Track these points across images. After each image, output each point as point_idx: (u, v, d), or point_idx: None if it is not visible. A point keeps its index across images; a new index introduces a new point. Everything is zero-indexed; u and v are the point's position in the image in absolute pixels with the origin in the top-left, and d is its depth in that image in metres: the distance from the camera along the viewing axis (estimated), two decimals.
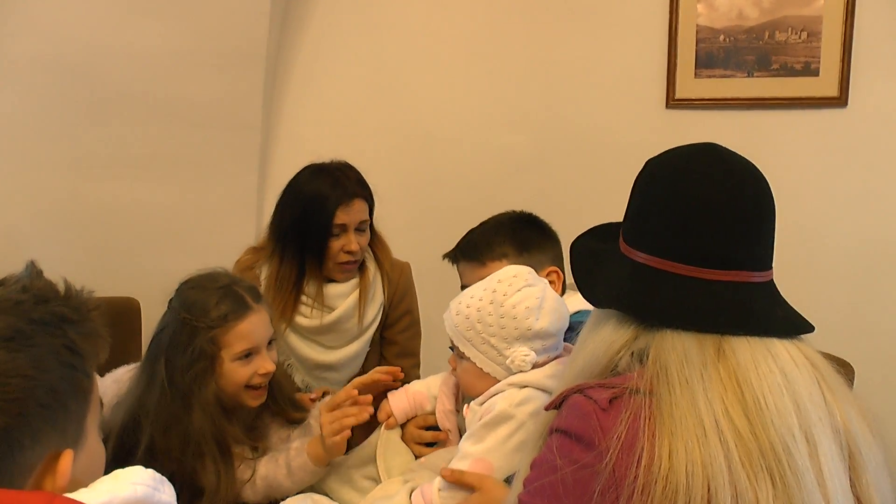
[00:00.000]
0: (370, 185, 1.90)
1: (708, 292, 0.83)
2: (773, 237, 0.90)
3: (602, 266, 0.93)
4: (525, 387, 1.18)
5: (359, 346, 1.88)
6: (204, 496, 1.32)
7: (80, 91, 2.30)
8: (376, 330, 1.91)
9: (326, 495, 1.38)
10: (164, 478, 0.76)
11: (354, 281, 1.85)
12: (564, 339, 1.28)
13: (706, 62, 2.48)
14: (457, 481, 1.15)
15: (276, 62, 2.56)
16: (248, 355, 1.39)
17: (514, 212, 1.59)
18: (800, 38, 2.41)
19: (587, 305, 1.41)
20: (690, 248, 0.85)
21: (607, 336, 0.87)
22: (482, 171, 2.67)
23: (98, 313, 0.80)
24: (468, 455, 1.17)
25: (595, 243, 1.00)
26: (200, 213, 2.54)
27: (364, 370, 1.92)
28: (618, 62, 2.55)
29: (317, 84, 2.66)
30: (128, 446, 1.34)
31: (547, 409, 0.88)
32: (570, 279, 1.57)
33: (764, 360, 0.80)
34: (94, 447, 0.79)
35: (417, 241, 2.49)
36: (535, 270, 1.32)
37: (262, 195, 2.63)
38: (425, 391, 1.42)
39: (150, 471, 0.74)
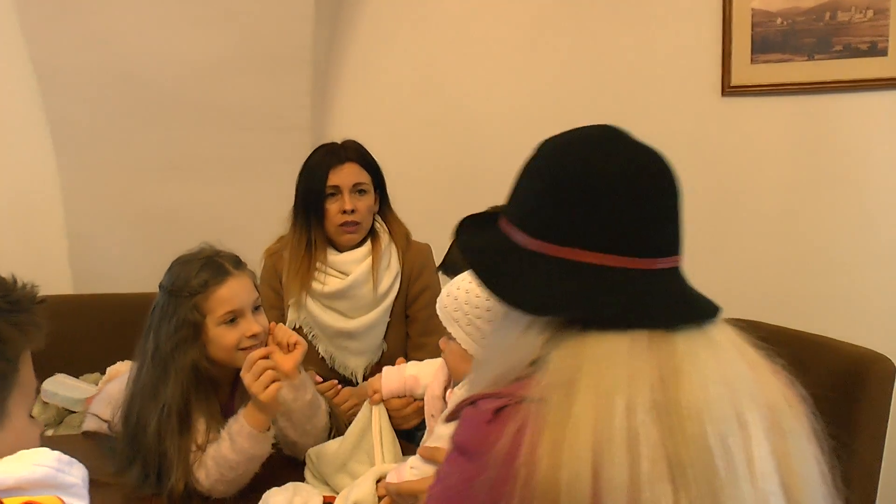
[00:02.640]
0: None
1: (645, 283, 0.76)
2: None
3: (512, 264, 0.82)
4: None
5: (377, 315, 1.91)
6: (165, 475, 1.37)
7: (137, 98, 2.41)
8: (396, 300, 1.95)
9: (325, 484, 1.40)
10: (72, 460, 0.78)
11: (367, 248, 1.92)
12: None
13: (763, 47, 2.36)
14: (430, 457, 1.17)
15: (326, 63, 2.61)
16: (232, 319, 1.45)
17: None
18: (864, 16, 2.26)
19: None
20: (621, 237, 0.77)
21: (527, 343, 0.77)
22: None
23: (41, 307, 0.87)
24: (442, 436, 1.19)
25: (487, 237, 0.88)
26: (253, 212, 2.61)
27: (389, 344, 1.97)
28: (669, 50, 2.47)
29: (367, 83, 2.70)
30: (127, 424, 1.43)
31: (447, 420, 0.85)
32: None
33: (698, 347, 0.74)
34: (20, 428, 0.83)
35: None
36: None
37: None
38: (419, 376, 1.43)
39: (57, 453, 0.77)
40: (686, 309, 0.77)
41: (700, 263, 2.43)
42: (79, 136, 2.46)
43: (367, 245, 1.92)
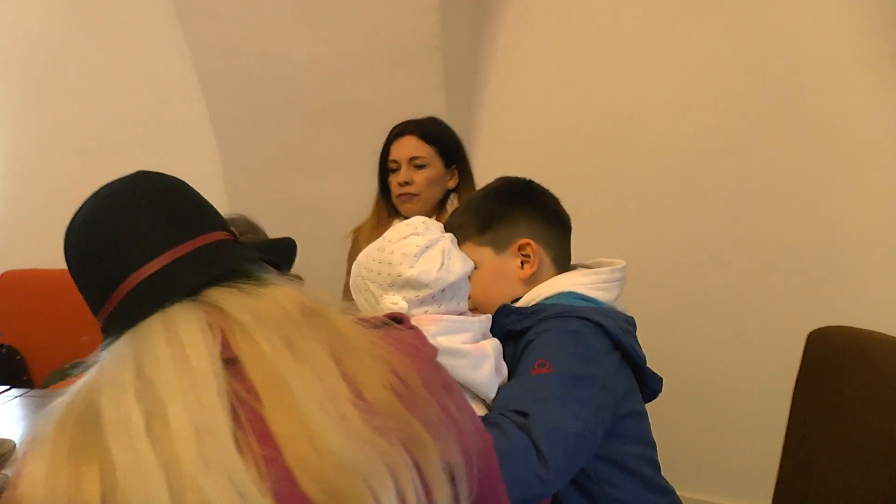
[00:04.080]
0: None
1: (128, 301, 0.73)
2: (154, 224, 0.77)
3: None
4: None
5: None
6: None
7: (284, 98, 2.58)
8: None
9: None
10: None
11: None
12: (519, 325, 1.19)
13: None
14: None
15: (462, 56, 2.59)
16: None
17: (497, 181, 1.42)
18: None
19: (576, 287, 1.24)
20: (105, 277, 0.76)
21: None
22: (682, 155, 2.40)
23: None
24: None
25: None
26: None
27: None
28: (838, 14, 2.10)
29: (510, 74, 2.63)
30: None
31: None
32: (578, 257, 1.37)
33: (121, 354, 0.68)
34: None
35: (620, 231, 2.35)
36: (505, 245, 1.27)
37: None
38: None
39: None
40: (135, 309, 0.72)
41: None
42: (238, 135, 2.68)
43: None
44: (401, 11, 2.39)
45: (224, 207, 2.77)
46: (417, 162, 1.93)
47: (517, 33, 2.59)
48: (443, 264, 1.12)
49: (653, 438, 1.23)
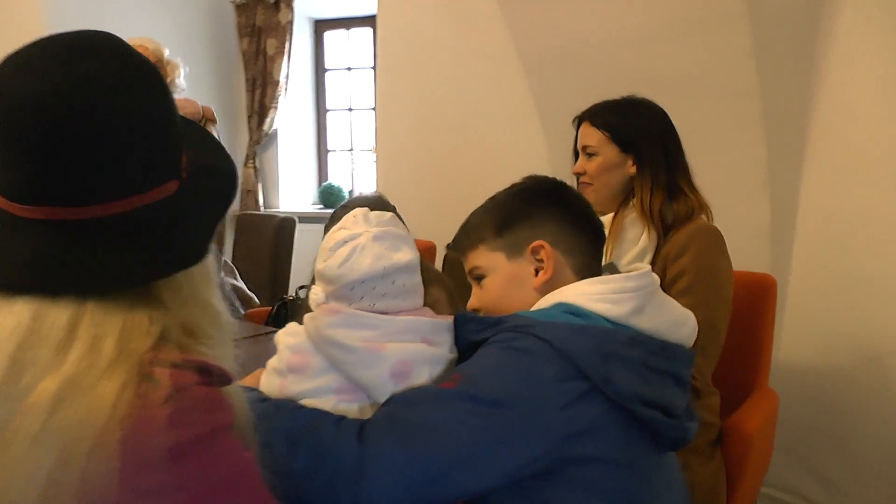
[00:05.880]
0: None
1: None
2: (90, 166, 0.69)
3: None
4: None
5: None
6: None
7: (590, 72, 2.51)
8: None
9: None
10: None
11: (609, 217, 1.78)
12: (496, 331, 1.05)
13: None
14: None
15: (796, 17, 2.19)
16: None
17: (525, 179, 1.21)
18: None
19: (576, 298, 1.08)
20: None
21: None
22: None
23: None
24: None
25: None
26: (707, 188, 2.45)
27: None
28: None
29: (844, 35, 2.15)
30: None
31: None
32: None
33: None
34: None
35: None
36: (520, 249, 1.13)
37: (775, 167, 2.33)
38: None
39: None
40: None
41: None
42: (557, 109, 2.69)
43: (611, 215, 1.78)
44: None
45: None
46: (588, 151, 1.79)
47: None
48: (346, 261, 1.06)
49: (632, 498, 0.99)
